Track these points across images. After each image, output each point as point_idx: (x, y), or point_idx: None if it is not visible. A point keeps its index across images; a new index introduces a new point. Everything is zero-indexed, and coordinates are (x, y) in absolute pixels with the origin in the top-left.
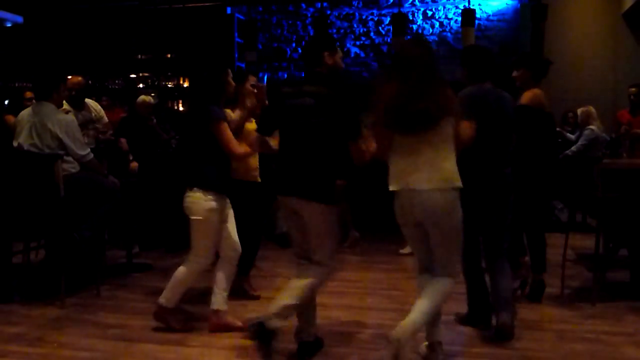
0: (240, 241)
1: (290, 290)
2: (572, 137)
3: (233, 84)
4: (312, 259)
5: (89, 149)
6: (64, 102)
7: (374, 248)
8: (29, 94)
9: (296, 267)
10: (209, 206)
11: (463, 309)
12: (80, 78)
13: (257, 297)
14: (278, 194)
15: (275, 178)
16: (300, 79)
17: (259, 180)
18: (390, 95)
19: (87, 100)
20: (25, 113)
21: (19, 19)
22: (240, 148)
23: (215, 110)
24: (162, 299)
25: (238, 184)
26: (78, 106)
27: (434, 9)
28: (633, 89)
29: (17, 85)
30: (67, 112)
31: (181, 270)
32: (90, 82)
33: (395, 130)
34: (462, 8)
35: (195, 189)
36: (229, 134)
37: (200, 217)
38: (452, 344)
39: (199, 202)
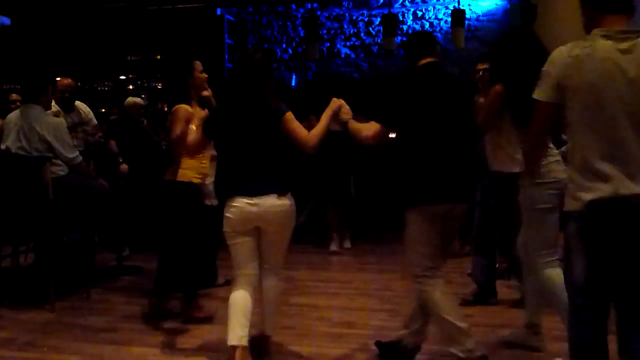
0: (185, 253)
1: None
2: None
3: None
4: (441, 264)
5: (78, 152)
6: (53, 104)
7: (366, 249)
8: (14, 96)
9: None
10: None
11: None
12: (70, 80)
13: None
14: (445, 202)
15: (435, 184)
16: (432, 70)
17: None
18: None
19: (76, 102)
20: (13, 116)
21: (7, 21)
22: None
23: (280, 103)
24: (270, 331)
25: (186, 187)
26: (68, 109)
27: (424, 10)
28: None
29: (4, 87)
30: (56, 115)
31: (274, 291)
32: (79, 84)
33: None
34: (452, 8)
35: (276, 195)
36: (298, 123)
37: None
38: (440, 342)
39: (292, 207)
